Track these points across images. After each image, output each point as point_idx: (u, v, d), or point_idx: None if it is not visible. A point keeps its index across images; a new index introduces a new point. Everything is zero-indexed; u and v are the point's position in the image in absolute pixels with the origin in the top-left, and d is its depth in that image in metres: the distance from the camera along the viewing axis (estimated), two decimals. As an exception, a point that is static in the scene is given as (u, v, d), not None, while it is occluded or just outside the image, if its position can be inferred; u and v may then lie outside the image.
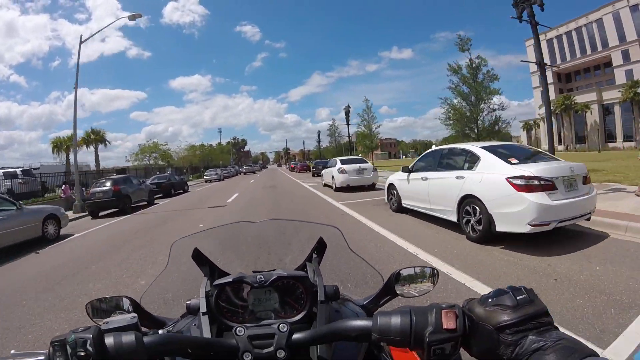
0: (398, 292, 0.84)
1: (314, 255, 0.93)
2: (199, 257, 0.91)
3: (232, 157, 68.16)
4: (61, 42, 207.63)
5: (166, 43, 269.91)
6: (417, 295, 0.85)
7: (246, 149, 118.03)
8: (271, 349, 0.63)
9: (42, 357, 0.52)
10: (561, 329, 0.50)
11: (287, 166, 64.74)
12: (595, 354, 0.45)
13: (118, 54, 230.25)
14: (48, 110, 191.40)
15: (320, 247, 0.94)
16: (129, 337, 0.53)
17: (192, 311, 0.82)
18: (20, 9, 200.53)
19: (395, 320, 0.54)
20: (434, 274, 0.86)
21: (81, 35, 14.31)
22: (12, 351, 0.55)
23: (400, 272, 0.85)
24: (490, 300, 0.52)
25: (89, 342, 0.50)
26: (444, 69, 20.73)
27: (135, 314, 0.60)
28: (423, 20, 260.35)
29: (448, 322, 0.51)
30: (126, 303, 0.86)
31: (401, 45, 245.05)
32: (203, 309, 0.76)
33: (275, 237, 1.23)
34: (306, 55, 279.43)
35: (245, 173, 52.90)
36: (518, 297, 0.51)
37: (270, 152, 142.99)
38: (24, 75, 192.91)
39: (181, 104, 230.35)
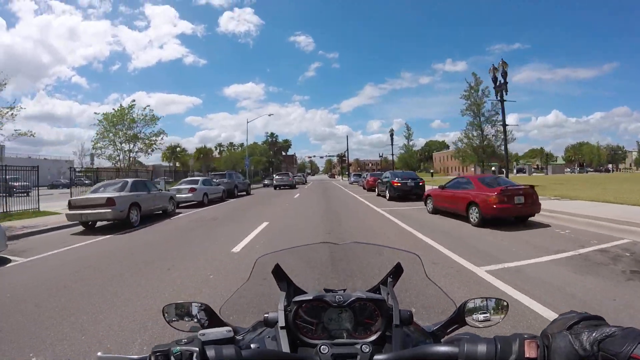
0: (467, 321, 0.87)
1: (389, 279, 0.96)
2: (278, 272, 0.95)
3: (247, 158, 37.98)
4: (121, 47, 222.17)
5: (221, 51, 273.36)
6: (484, 326, 0.87)
7: (290, 152, 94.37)
8: None
9: None
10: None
11: (358, 180, 33.08)
12: None
13: (175, 60, 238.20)
14: (106, 111, 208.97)
15: (396, 272, 0.97)
16: (229, 351, 0.57)
17: (270, 324, 0.86)
18: (82, 15, 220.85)
19: (482, 347, 0.59)
20: (504, 306, 0.88)
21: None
22: (99, 353, 0.54)
23: (469, 301, 0.88)
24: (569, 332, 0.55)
25: (195, 354, 0.54)
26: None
27: (230, 328, 0.66)
28: (478, 32, 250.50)
29: (530, 352, 0.56)
30: (195, 309, 0.92)
31: (455, 57, 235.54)
32: (282, 323, 0.79)
33: (351, 258, 1.27)
34: (359, 66, 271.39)
35: (276, 187, 29.72)
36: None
37: (322, 157, 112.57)
38: (85, 77, 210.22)
39: (234, 110, 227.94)
